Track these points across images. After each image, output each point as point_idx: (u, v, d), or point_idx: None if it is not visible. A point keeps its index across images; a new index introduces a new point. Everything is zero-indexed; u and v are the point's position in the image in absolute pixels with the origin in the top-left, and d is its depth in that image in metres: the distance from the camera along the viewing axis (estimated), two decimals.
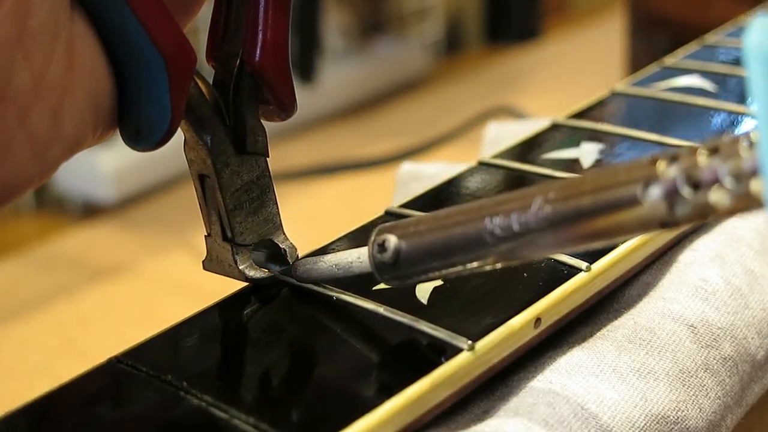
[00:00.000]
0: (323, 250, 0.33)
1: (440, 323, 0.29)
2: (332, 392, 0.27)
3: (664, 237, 0.35)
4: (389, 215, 0.36)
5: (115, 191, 0.94)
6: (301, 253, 0.32)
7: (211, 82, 0.31)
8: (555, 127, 0.43)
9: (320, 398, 0.27)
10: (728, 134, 0.41)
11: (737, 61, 0.50)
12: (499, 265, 0.27)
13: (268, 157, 0.32)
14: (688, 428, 0.30)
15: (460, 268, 0.27)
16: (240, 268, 0.31)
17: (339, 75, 1.15)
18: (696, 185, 0.22)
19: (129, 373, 0.28)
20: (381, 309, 0.30)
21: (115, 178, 0.93)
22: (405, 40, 1.27)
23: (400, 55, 1.23)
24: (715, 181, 0.22)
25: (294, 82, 0.31)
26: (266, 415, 0.26)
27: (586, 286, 0.32)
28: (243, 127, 0.31)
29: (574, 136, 0.42)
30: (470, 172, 0.39)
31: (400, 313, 0.29)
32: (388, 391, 0.26)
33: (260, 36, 0.30)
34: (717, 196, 0.22)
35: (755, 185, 0.21)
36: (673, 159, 0.23)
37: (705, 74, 0.48)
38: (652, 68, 0.50)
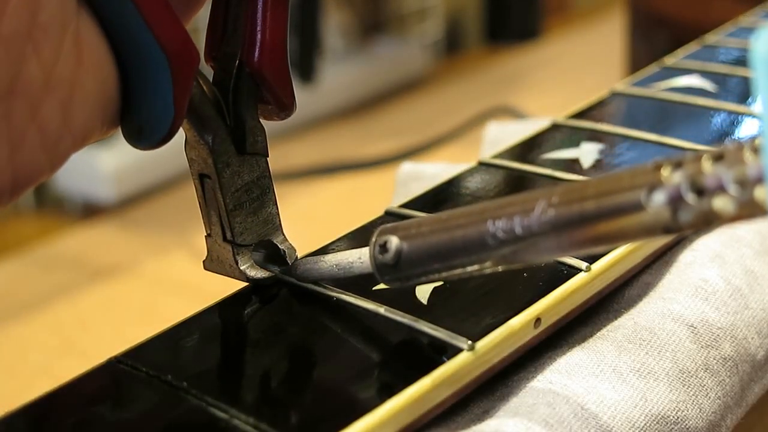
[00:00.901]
0: (323, 250, 0.33)
1: (440, 323, 0.29)
2: (332, 392, 0.27)
3: (664, 237, 0.35)
4: (389, 215, 0.36)
5: (115, 191, 0.94)
6: (300, 253, 0.32)
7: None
8: (555, 127, 0.43)
9: (320, 398, 0.27)
10: (732, 139, 0.41)
11: (737, 61, 0.50)
12: (500, 268, 0.27)
13: (268, 157, 0.32)
14: (688, 428, 0.30)
15: (461, 270, 0.27)
16: (241, 268, 0.31)
17: (339, 75, 1.15)
18: (700, 192, 0.22)
19: (129, 373, 0.28)
20: (381, 309, 0.30)
21: (115, 178, 0.93)
22: (405, 40, 1.27)
23: (400, 55, 1.23)
24: (720, 187, 0.22)
25: (294, 82, 0.31)
26: (266, 415, 0.26)
27: (586, 286, 0.32)
28: (242, 127, 0.31)
29: (574, 136, 0.42)
30: (470, 172, 0.39)
31: (400, 313, 0.29)
32: (389, 391, 0.26)
33: (258, 36, 0.30)
34: (721, 203, 0.22)
35: (759, 192, 0.21)
36: (677, 165, 0.23)
37: (705, 74, 0.48)
38: (652, 68, 0.50)
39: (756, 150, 0.22)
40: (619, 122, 0.43)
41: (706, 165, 0.22)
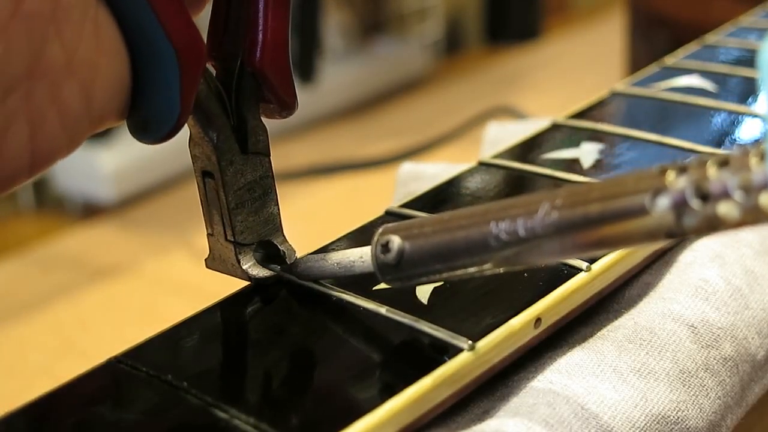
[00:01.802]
0: (323, 250, 0.33)
1: (441, 323, 0.29)
2: (332, 392, 0.27)
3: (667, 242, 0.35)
4: (389, 215, 0.36)
5: (115, 191, 0.94)
6: (300, 253, 0.32)
7: None
8: (555, 127, 0.43)
9: (320, 398, 0.27)
10: (732, 139, 0.41)
11: (737, 61, 0.50)
12: (501, 270, 0.27)
13: (270, 156, 0.32)
14: (688, 428, 0.30)
15: (462, 271, 0.27)
16: (243, 267, 0.31)
17: (339, 75, 1.15)
18: (705, 197, 0.22)
19: (129, 373, 0.28)
20: (381, 309, 0.30)
21: (115, 178, 0.93)
22: (405, 40, 1.27)
23: (400, 55, 1.23)
24: (725, 193, 0.22)
25: (294, 82, 0.31)
26: (266, 415, 0.26)
27: (586, 286, 0.32)
28: (245, 126, 0.31)
29: (574, 136, 0.42)
30: (470, 172, 0.39)
31: (401, 313, 0.29)
32: (389, 391, 0.26)
33: (260, 35, 0.30)
34: (726, 209, 0.22)
35: (764, 199, 0.21)
36: (682, 170, 0.23)
37: (705, 74, 0.48)
38: (652, 68, 0.50)
39: (761, 156, 0.22)
40: (619, 122, 0.43)
41: (711, 170, 0.22)
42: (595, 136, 0.42)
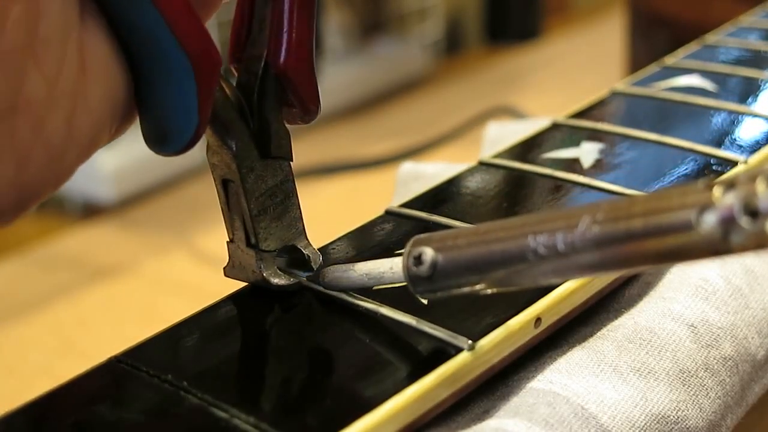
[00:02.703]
0: (323, 250, 0.33)
1: (441, 323, 0.29)
2: (332, 392, 0.27)
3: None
4: (389, 215, 0.36)
5: (115, 191, 0.94)
6: None
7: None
8: (555, 127, 0.43)
9: (320, 397, 0.27)
10: (732, 139, 0.41)
11: (737, 61, 0.50)
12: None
13: (292, 161, 0.31)
14: (688, 428, 0.30)
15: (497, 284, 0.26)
16: (264, 275, 0.31)
17: (339, 75, 1.15)
18: (754, 214, 0.22)
19: (129, 373, 0.28)
20: (382, 309, 0.30)
21: (115, 178, 0.93)
22: (405, 40, 1.27)
23: (400, 55, 1.23)
24: None
25: (318, 87, 0.31)
26: (266, 415, 0.26)
27: (587, 285, 0.32)
28: (267, 130, 0.30)
29: (574, 136, 0.42)
30: (470, 172, 0.39)
31: (401, 312, 0.29)
32: (389, 390, 0.26)
33: (285, 37, 0.29)
34: None
35: None
36: (729, 186, 0.22)
37: (705, 74, 0.48)
38: (652, 68, 0.50)
39: None
40: (620, 122, 0.43)
41: (761, 187, 0.21)
42: (595, 135, 0.42)
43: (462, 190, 0.38)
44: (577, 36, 1.41)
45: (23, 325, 0.75)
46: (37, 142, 0.25)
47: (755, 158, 0.39)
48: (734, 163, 0.38)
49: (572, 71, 1.24)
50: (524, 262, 0.25)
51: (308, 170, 0.96)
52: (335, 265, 0.31)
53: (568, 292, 0.31)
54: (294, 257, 0.31)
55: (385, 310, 0.30)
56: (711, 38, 0.54)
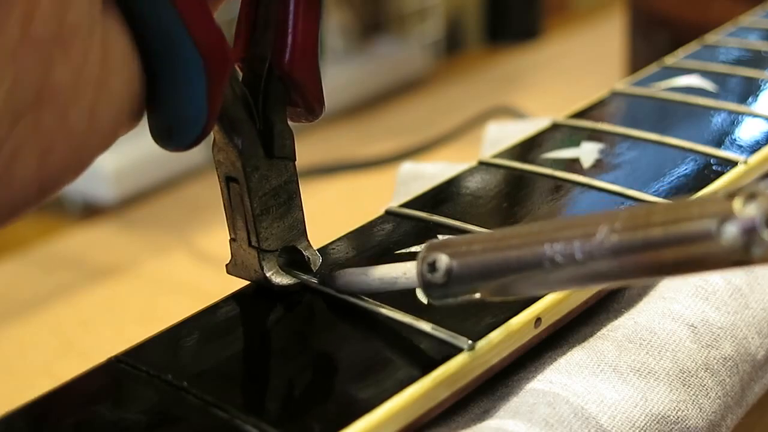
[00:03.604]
0: (323, 250, 0.33)
1: (440, 323, 0.29)
2: (332, 391, 0.27)
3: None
4: (389, 215, 0.36)
5: (115, 191, 0.94)
6: None
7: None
8: (555, 127, 0.43)
9: (320, 397, 0.27)
10: (733, 139, 0.41)
11: (737, 61, 0.50)
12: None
13: (295, 161, 0.31)
14: (688, 428, 0.30)
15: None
16: (266, 274, 0.31)
17: (339, 75, 1.15)
18: None
19: (129, 373, 0.28)
20: (382, 308, 0.30)
21: (115, 178, 0.93)
22: (405, 40, 1.27)
23: (400, 55, 1.23)
24: None
25: (322, 86, 0.31)
26: (266, 415, 0.26)
27: None
28: (271, 130, 0.30)
29: (574, 136, 0.42)
30: (470, 171, 0.39)
31: (401, 312, 0.29)
32: (388, 390, 0.26)
33: (290, 38, 0.29)
34: None
35: None
36: (751, 196, 0.22)
37: (705, 74, 0.48)
38: (652, 68, 0.50)
39: None
40: (620, 122, 0.43)
41: None
42: (595, 135, 0.42)
43: (462, 190, 0.38)
44: (577, 36, 1.41)
45: (23, 325, 0.75)
46: (61, 132, 0.25)
47: (755, 158, 0.39)
48: (734, 163, 0.38)
49: (572, 71, 1.24)
50: (540, 269, 0.25)
51: (308, 170, 0.96)
52: (348, 269, 0.31)
53: (568, 292, 0.31)
54: (294, 258, 0.31)
55: (385, 310, 0.30)
56: (711, 38, 0.54)
